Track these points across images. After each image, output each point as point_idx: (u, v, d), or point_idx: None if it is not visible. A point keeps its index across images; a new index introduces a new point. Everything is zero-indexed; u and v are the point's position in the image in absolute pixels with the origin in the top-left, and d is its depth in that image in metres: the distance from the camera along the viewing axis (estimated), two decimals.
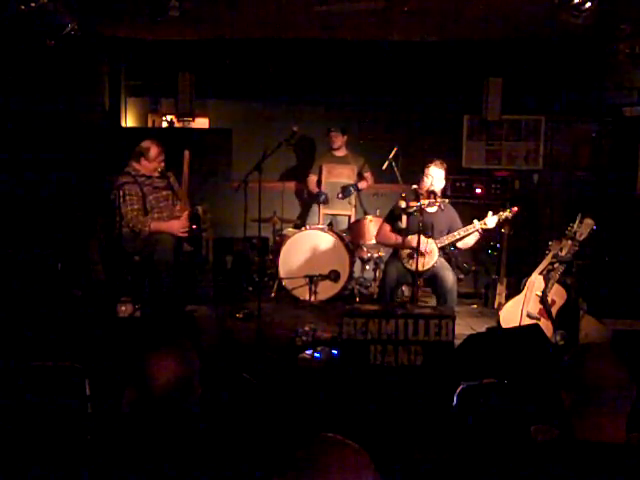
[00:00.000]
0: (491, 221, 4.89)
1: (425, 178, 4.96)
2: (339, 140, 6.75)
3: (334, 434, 1.31)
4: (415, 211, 4.74)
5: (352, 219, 6.66)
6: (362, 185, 6.67)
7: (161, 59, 6.95)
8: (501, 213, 4.94)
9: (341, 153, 6.83)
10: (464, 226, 4.98)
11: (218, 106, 7.64)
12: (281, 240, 6.26)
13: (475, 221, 4.92)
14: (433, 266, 4.90)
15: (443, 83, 6.93)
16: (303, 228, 6.32)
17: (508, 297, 5.46)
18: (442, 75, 6.91)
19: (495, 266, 6.15)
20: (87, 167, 6.05)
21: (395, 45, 6.75)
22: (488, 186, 6.75)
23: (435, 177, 4.94)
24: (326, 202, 6.61)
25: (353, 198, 6.63)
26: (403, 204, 4.78)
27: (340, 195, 6.53)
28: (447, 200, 4.98)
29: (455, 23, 5.88)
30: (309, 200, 7.13)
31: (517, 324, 4.84)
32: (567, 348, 4.59)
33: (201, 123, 7.69)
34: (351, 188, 6.47)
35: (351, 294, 6.25)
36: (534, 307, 4.92)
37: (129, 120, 7.58)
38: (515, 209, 4.99)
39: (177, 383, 1.83)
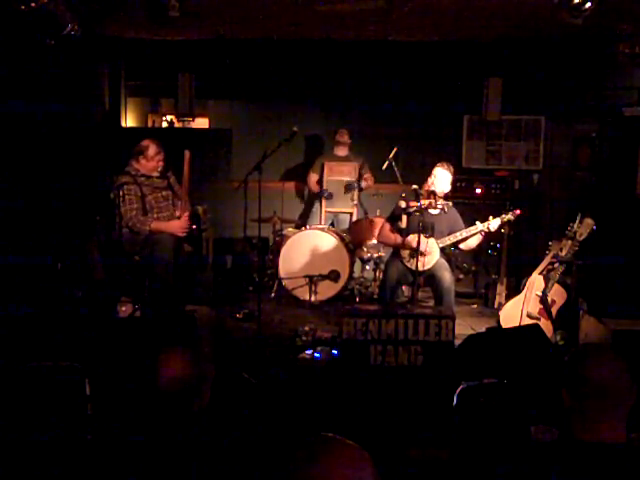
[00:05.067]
0: (494, 224, 4.89)
1: (429, 178, 4.99)
2: (345, 137, 6.78)
3: (334, 434, 1.31)
4: (415, 211, 4.74)
5: (354, 217, 6.67)
6: (363, 184, 6.70)
7: (161, 59, 6.95)
8: (504, 216, 4.94)
9: (343, 153, 6.86)
10: (466, 226, 4.98)
11: (218, 106, 7.64)
12: (281, 240, 6.27)
13: (477, 223, 4.92)
14: (433, 266, 4.91)
15: (443, 83, 6.93)
16: (303, 228, 6.33)
17: (508, 297, 5.47)
18: (442, 75, 6.91)
19: (495, 266, 6.16)
20: (87, 167, 6.04)
21: (395, 45, 6.75)
22: (488, 186, 6.75)
23: (438, 178, 4.95)
24: (330, 197, 6.64)
25: (355, 196, 6.65)
26: (403, 204, 4.78)
27: (345, 191, 6.60)
28: (450, 203, 4.98)
29: (455, 23, 5.88)
30: (310, 198, 7.15)
31: (517, 324, 4.84)
32: (567, 348, 4.59)
33: (201, 123, 7.69)
34: (354, 184, 6.52)
35: (351, 294, 6.25)
36: (534, 307, 4.92)
37: (129, 120, 7.58)
38: (518, 212, 4.98)
39: (184, 383, 1.84)
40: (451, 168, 5.03)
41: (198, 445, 1.79)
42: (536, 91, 6.89)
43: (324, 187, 6.76)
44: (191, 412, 1.87)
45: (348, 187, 6.56)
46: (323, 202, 6.77)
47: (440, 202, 4.85)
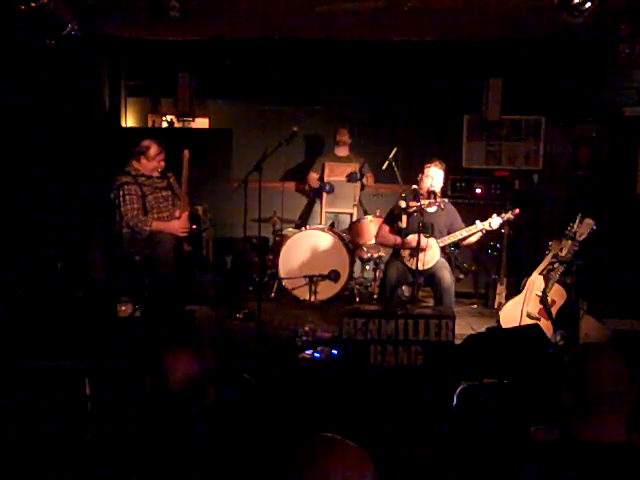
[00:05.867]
0: (494, 223, 4.90)
1: (425, 178, 4.97)
2: (345, 136, 6.79)
3: (334, 434, 1.31)
4: (415, 211, 4.74)
5: (354, 218, 6.67)
6: (364, 181, 6.71)
7: (161, 59, 6.94)
8: (503, 215, 4.95)
9: (343, 153, 6.87)
10: (465, 226, 4.99)
11: (218, 106, 7.64)
12: (281, 240, 6.27)
13: (477, 222, 4.93)
14: (433, 265, 4.91)
15: (443, 83, 6.93)
16: (303, 228, 6.33)
17: (508, 297, 5.47)
18: (442, 75, 6.91)
19: (495, 266, 6.15)
20: (87, 167, 6.04)
21: (395, 45, 6.75)
22: (488, 186, 6.76)
23: (435, 177, 4.95)
24: (331, 191, 6.65)
25: (356, 197, 6.66)
26: (403, 204, 4.78)
27: (346, 179, 6.64)
28: (447, 199, 4.98)
29: (455, 23, 5.87)
30: (313, 195, 7.16)
31: (517, 324, 4.84)
32: (567, 348, 4.59)
33: (201, 123, 7.69)
34: (356, 175, 6.58)
35: (351, 294, 6.25)
36: (534, 307, 4.92)
37: (129, 120, 7.58)
38: (517, 211, 4.99)
39: (191, 381, 1.84)
40: (443, 164, 5.03)
41: (199, 445, 1.79)
42: (536, 91, 6.89)
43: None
44: (194, 411, 1.87)
45: (350, 177, 6.58)
46: (324, 202, 6.78)
47: (439, 200, 4.87)
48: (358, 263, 6.41)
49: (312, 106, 7.31)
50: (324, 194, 6.74)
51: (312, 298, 5.60)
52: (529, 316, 4.89)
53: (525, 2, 5.06)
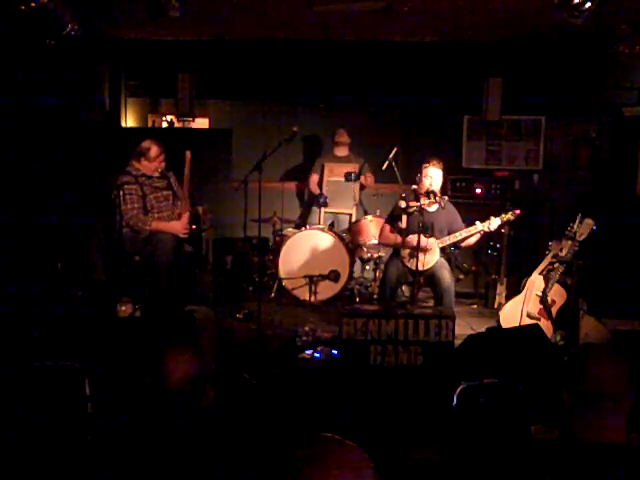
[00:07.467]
0: (494, 224, 4.90)
1: (424, 179, 4.97)
2: (344, 137, 6.79)
3: (334, 434, 1.31)
4: (415, 211, 4.74)
5: (353, 218, 6.67)
6: (362, 180, 6.71)
7: (161, 59, 6.95)
8: (503, 215, 4.95)
9: (343, 153, 6.87)
10: (465, 225, 4.99)
11: (218, 106, 7.64)
12: (281, 240, 6.27)
13: (477, 223, 4.93)
14: (433, 265, 4.91)
15: (443, 83, 6.93)
16: (303, 228, 6.33)
17: (508, 297, 5.47)
18: (442, 75, 6.91)
19: (495, 266, 6.15)
20: (87, 167, 6.04)
21: (395, 45, 6.75)
22: (488, 186, 6.75)
23: (434, 177, 4.96)
24: (325, 205, 6.65)
25: (356, 197, 6.66)
26: (403, 204, 4.78)
27: (344, 179, 6.61)
28: (447, 198, 4.98)
29: (455, 23, 5.87)
30: (309, 201, 7.17)
31: (517, 324, 4.84)
32: (567, 348, 4.60)
33: (201, 123, 7.69)
34: (353, 175, 6.56)
35: (351, 294, 6.25)
36: (534, 307, 4.92)
37: (129, 120, 7.58)
38: (517, 212, 4.99)
39: (191, 381, 1.84)
40: (441, 163, 5.03)
41: (199, 445, 1.79)
42: (536, 91, 6.89)
43: (324, 188, 6.77)
44: (194, 412, 1.87)
45: (347, 176, 6.57)
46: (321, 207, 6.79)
47: (439, 199, 4.87)
48: (358, 263, 6.40)
49: (312, 106, 7.30)
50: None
51: (312, 298, 5.59)
52: (529, 316, 4.89)
53: (525, 2, 5.06)
